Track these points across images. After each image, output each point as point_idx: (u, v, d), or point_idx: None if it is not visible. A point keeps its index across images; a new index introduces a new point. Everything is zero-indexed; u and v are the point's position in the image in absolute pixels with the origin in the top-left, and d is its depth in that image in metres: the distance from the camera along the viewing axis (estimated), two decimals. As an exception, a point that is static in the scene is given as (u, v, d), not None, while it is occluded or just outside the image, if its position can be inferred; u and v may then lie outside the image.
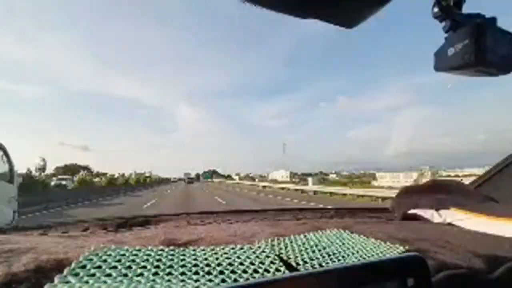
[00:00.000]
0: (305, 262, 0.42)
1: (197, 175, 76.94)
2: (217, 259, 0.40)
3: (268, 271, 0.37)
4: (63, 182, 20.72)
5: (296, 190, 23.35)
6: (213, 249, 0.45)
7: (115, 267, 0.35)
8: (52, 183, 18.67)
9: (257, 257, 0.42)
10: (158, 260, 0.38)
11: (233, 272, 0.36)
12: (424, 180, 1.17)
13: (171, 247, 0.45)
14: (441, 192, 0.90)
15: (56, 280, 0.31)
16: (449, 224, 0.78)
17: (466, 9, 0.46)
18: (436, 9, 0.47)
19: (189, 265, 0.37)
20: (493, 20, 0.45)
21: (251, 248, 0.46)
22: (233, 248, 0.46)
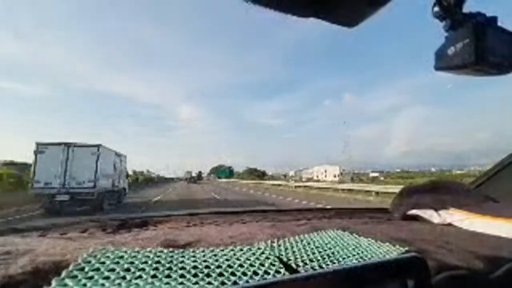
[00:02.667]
0: (305, 264, 0.42)
1: (199, 174, 64.85)
2: (216, 260, 0.40)
3: (268, 273, 0.37)
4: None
5: None
6: (212, 251, 0.45)
7: (113, 269, 0.35)
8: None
9: (257, 258, 0.42)
10: (157, 262, 0.38)
11: (232, 274, 0.36)
12: None
13: (170, 249, 0.45)
14: (441, 192, 0.90)
15: (53, 282, 0.30)
16: (449, 224, 0.77)
17: (466, 8, 0.46)
18: (436, 8, 0.46)
19: (188, 267, 0.37)
20: (494, 19, 0.45)
21: (250, 250, 0.46)
22: (232, 250, 0.45)
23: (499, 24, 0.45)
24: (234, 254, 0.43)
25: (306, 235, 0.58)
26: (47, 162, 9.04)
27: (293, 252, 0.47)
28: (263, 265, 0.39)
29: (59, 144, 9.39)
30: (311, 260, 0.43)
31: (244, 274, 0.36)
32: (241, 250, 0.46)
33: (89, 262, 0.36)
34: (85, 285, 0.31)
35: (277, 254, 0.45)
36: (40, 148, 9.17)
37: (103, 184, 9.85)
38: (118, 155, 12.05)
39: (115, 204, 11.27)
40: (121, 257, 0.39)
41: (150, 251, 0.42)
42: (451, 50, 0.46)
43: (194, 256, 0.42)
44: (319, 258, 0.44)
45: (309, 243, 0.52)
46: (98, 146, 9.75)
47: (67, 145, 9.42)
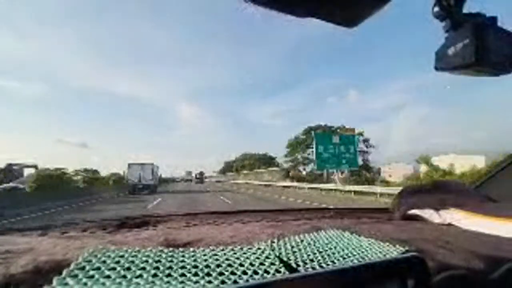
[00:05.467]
0: (305, 263, 0.42)
1: (201, 174, 57.88)
2: (216, 260, 0.40)
3: (268, 272, 0.37)
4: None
5: None
6: (212, 250, 0.45)
7: (114, 268, 0.35)
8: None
9: (257, 258, 0.42)
10: (157, 261, 0.38)
11: (232, 273, 0.36)
12: None
13: (171, 248, 0.45)
14: (441, 192, 0.90)
15: (54, 282, 0.31)
16: (449, 224, 0.77)
17: (466, 8, 0.46)
18: (436, 8, 0.47)
19: (189, 266, 0.37)
20: (494, 19, 0.45)
21: (250, 249, 0.46)
22: (232, 249, 0.45)
23: (499, 24, 0.45)
24: (234, 254, 0.43)
25: (306, 235, 0.58)
26: (133, 171, 22.56)
27: (293, 251, 0.47)
28: (263, 265, 0.39)
29: (137, 164, 22.99)
30: (311, 260, 0.43)
31: (244, 273, 0.36)
32: (241, 249, 0.46)
33: (90, 261, 0.36)
34: (86, 284, 0.31)
35: (277, 254, 0.45)
36: (130, 166, 22.82)
37: (155, 181, 23.29)
38: (156, 166, 25.79)
39: (155, 190, 22.59)
40: (122, 256, 0.39)
41: (150, 251, 0.42)
42: (451, 50, 0.46)
43: (194, 256, 0.42)
44: (319, 258, 0.44)
45: (309, 243, 0.52)
46: (153, 163, 23.74)
47: (141, 163, 23.00)
